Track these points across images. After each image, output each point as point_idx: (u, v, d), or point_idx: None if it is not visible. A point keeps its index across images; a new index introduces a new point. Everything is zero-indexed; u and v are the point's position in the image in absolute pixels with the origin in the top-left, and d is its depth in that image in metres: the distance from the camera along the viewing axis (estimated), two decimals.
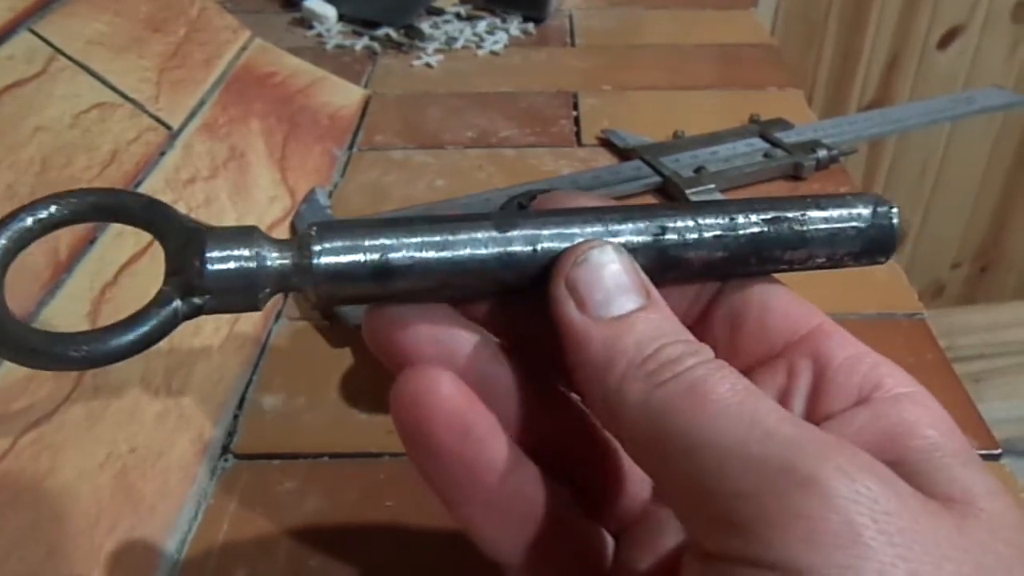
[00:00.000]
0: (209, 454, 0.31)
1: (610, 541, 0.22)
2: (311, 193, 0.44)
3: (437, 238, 0.18)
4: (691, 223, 0.19)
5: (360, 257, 0.18)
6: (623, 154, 0.50)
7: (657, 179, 0.46)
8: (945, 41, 1.15)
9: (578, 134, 0.53)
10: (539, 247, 0.19)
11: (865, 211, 0.20)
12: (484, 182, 0.48)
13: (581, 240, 0.19)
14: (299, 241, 0.18)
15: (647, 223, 0.19)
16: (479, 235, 0.18)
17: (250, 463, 0.31)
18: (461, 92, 0.58)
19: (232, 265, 0.17)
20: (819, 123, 0.52)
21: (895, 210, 0.20)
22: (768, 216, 0.20)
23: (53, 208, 0.17)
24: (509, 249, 0.18)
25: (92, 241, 0.32)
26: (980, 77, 1.16)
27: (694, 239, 0.19)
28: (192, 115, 0.42)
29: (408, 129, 0.53)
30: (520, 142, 0.52)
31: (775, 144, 0.49)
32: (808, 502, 0.14)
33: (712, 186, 0.45)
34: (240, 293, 0.17)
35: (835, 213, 0.20)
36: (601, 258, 0.18)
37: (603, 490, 0.22)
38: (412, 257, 0.18)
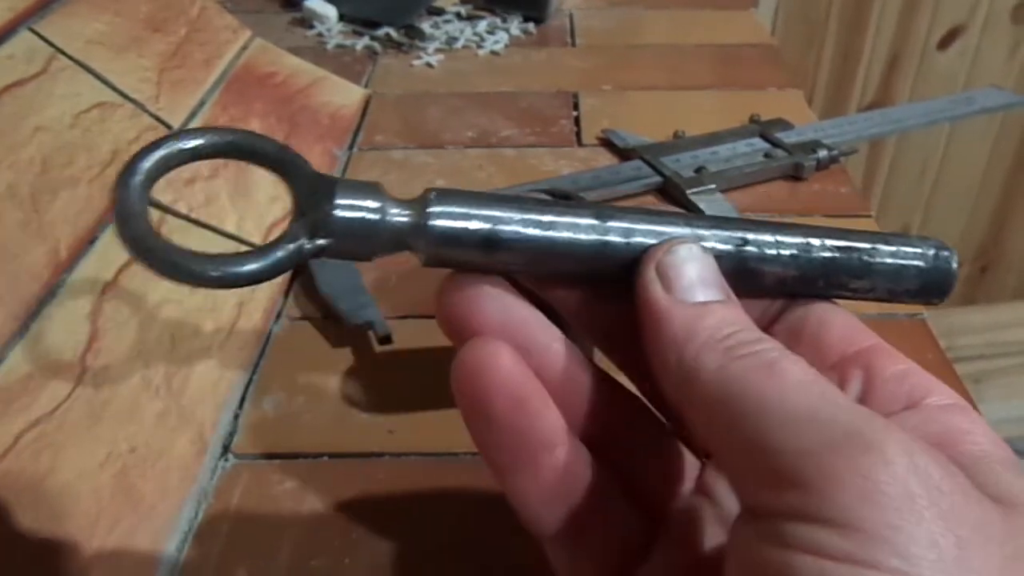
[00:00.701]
0: (209, 454, 0.31)
1: (650, 529, 0.22)
2: None
3: (543, 218, 0.19)
4: (771, 240, 0.21)
5: (472, 225, 0.19)
6: (623, 154, 0.50)
7: (657, 179, 0.46)
8: (945, 42, 1.15)
9: (578, 134, 0.53)
10: (632, 240, 0.20)
11: (928, 252, 0.22)
12: (484, 182, 0.48)
13: (671, 238, 0.20)
14: (419, 202, 0.19)
15: (730, 233, 0.20)
16: (580, 221, 0.19)
17: (250, 463, 0.31)
18: (461, 92, 0.58)
19: (358, 214, 0.18)
20: (819, 123, 0.52)
21: (955, 255, 0.22)
22: (842, 244, 0.21)
23: (202, 139, 0.19)
24: (605, 238, 0.20)
25: (92, 241, 0.32)
26: (980, 77, 1.16)
27: (772, 255, 0.21)
28: (192, 115, 0.42)
29: (408, 129, 0.54)
30: (520, 142, 0.52)
31: (775, 144, 0.49)
32: (870, 464, 0.15)
33: (713, 186, 0.45)
34: (360, 241, 0.18)
35: (901, 250, 0.21)
36: (688, 253, 0.19)
37: (650, 480, 0.22)
38: (518, 232, 0.19)
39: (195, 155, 0.19)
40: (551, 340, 0.20)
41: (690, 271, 0.19)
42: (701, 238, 0.20)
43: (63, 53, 0.37)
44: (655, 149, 0.49)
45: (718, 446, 0.18)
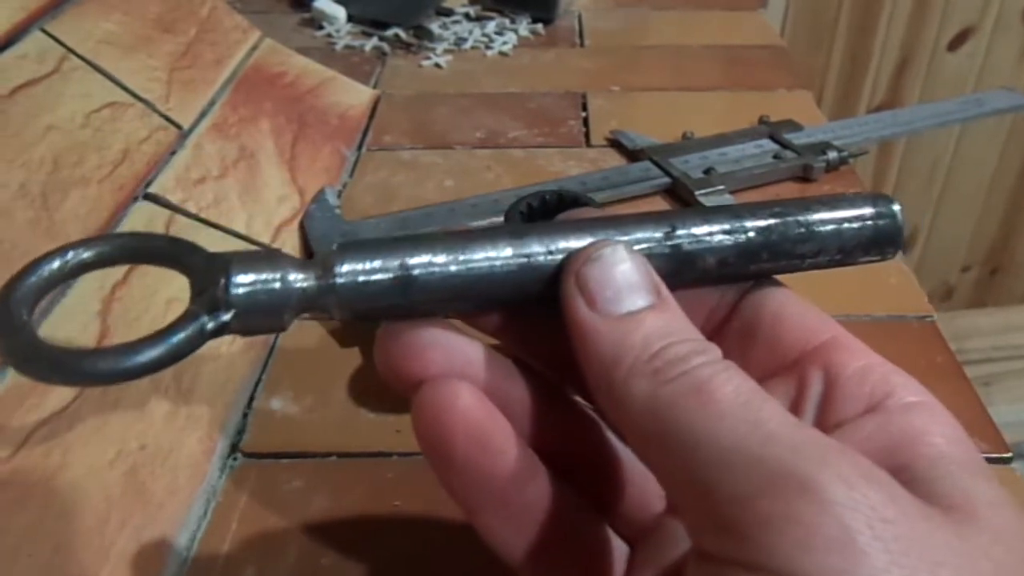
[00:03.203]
0: (218, 453, 0.31)
1: (624, 549, 0.22)
2: (320, 193, 0.44)
3: (455, 247, 0.18)
4: (700, 222, 0.20)
5: (381, 273, 0.18)
6: (632, 155, 0.50)
7: (666, 180, 0.46)
8: (956, 43, 1.15)
9: (587, 135, 0.53)
10: (554, 251, 0.19)
11: (866, 205, 0.21)
12: (492, 182, 0.48)
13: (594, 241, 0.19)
14: (321, 261, 0.18)
15: (655, 223, 0.20)
16: (496, 245, 0.19)
17: (259, 462, 0.31)
18: (470, 92, 0.58)
19: (257, 286, 0.17)
20: (829, 124, 0.52)
21: (896, 205, 0.21)
22: (774, 210, 0.20)
23: (82, 252, 0.18)
24: (527, 258, 0.19)
25: None
26: (990, 79, 1.16)
27: (705, 237, 0.20)
28: (202, 115, 0.42)
29: (417, 129, 0.54)
30: (529, 143, 0.52)
31: (785, 145, 0.48)
32: (804, 507, 0.14)
33: (722, 187, 0.45)
34: (266, 312, 0.17)
35: (838, 207, 0.21)
36: (612, 257, 0.18)
37: (614, 498, 0.22)
38: (432, 272, 0.18)
39: (84, 268, 0.18)
40: (501, 368, 0.20)
41: (614, 277, 0.18)
42: (625, 237, 0.19)
43: (74, 53, 0.37)
44: (664, 150, 0.49)
45: (659, 478, 0.17)
